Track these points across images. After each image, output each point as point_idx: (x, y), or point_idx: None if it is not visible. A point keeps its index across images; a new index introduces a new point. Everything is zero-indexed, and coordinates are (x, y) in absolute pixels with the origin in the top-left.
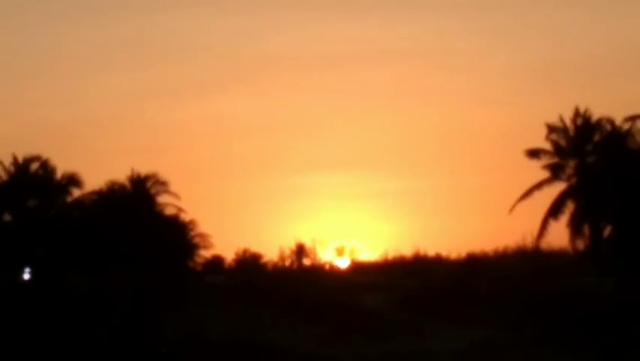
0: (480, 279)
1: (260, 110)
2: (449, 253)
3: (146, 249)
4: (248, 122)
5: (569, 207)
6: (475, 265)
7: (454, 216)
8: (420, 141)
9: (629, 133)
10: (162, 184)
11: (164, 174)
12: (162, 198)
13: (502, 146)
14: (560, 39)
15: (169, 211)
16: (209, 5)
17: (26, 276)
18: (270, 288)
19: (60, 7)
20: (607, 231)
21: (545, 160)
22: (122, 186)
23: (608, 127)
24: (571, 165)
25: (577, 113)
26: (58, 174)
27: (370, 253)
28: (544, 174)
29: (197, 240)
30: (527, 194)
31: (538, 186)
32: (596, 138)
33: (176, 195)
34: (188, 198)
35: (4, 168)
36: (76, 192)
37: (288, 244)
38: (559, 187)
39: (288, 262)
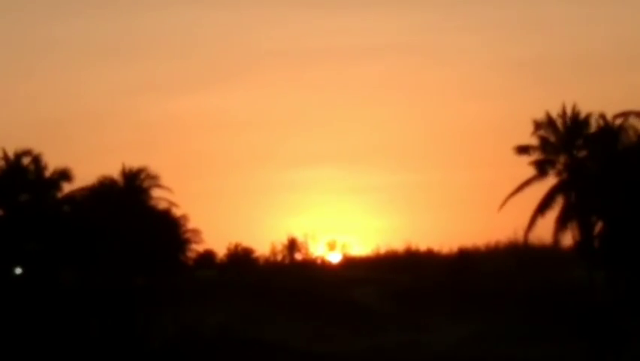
0: (471, 274)
1: (252, 104)
2: (441, 248)
3: (137, 244)
4: (240, 116)
5: (559, 203)
6: (466, 260)
7: (446, 211)
8: (411, 135)
9: (621, 128)
10: (153, 178)
11: (155, 169)
12: (154, 193)
13: (494, 141)
14: (552, 34)
15: (161, 206)
16: (201, 1)
17: (18, 271)
18: (262, 283)
19: (53, 2)
20: (597, 226)
21: (535, 156)
22: (113, 181)
23: (601, 122)
24: (561, 160)
25: (564, 110)
26: (50, 169)
27: (362, 247)
28: (534, 171)
29: (188, 235)
30: (517, 191)
31: (528, 182)
32: (586, 133)
33: (168, 190)
34: (180, 193)
35: None
36: (67, 187)
37: (280, 239)
38: (549, 183)
39: (279, 257)
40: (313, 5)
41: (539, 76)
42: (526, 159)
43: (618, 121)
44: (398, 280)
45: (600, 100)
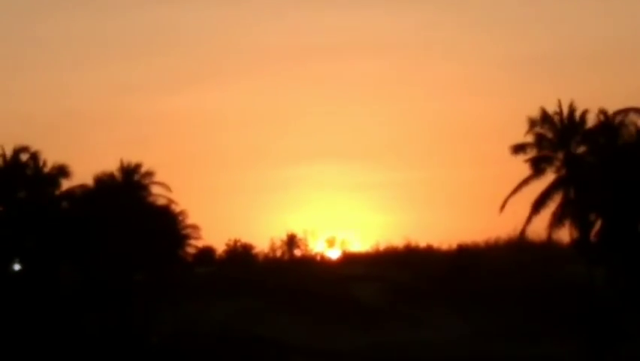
0: (471, 270)
1: (251, 100)
2: (440, 245)
3: (136, 239)
4: (239, 112)
5: (556, 200)
6: (466, 257)
7: (446, 207)
8: (413, 132)
9: (622, 124)
10: (150, 174)
11: (152, 166)
12: (152, 189)
13: (495, 138)
14: (557, 30)
15: (159, 202)
16: None
17: (16, 267)
18: (261, 279)
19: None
20: (596, 222)
21: (531, 154)
22: (111, 176)
23: (601, 117)
24: (559, 156)
25: (560, 106)
26: (48, 166)
27: (361, 244)
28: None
29: (187, 230)
30: (516, 190)
31: (526, 181)
32: (584, 129)
33: (166, 186)
34: (178, 190)
35: None
36: (65, 184)
37: (279, 235)
38: (547, 180)
39: (279, 253)
40: (314, 1)
41: (546, 72)
42: (524, 157)
43: (619, 118)
44: (398, 276)
45: (601, 98)
